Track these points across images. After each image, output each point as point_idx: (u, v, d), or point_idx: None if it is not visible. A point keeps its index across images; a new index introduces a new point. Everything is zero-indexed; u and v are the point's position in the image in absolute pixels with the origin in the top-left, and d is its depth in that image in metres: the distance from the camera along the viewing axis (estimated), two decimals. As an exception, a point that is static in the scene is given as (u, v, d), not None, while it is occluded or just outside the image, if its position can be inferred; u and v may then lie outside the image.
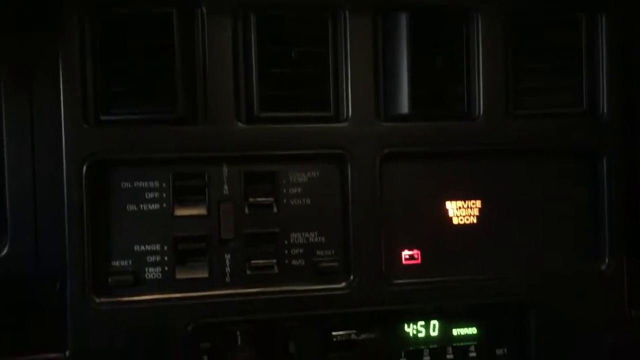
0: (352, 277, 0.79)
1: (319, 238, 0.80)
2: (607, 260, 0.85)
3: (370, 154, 0.79)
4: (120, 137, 0.74)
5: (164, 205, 0.76)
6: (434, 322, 0.85)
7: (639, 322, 0.85)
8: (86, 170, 0.72)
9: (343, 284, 0.79)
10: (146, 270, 0.76)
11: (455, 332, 0.85)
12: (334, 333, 0.81)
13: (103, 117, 0.74)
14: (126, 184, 0.76)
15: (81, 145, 0.73)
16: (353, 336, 0.82)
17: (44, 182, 0.75)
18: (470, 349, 0.85)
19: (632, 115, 0.86)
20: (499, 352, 0.86)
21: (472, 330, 0.86)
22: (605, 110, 0.84)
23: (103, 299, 0.73)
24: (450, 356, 0.85)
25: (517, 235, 0.85)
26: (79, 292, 0.72)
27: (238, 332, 0.78)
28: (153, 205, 0.76)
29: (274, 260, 0.78)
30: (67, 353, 0.72)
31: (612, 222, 0.85)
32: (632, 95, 0.85)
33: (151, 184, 0.76)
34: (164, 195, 0.76)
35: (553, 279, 0.84)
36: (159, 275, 0.76)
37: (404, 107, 0.80)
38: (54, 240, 0.74)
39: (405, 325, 0.84)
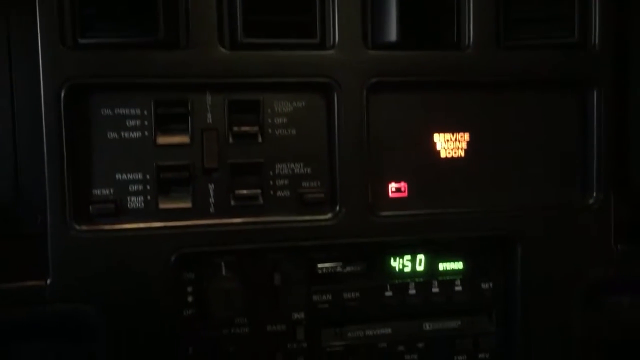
0: (338, 208, 0.78)
1: (305, 169, 0.79)
2: (594, 194, 0.84)
3: (357, 83, 0.77)
4: (99, 60, 0.71)
5: (146, 133, 0.74)
6: (420, 257, 0.85)
7: (625, 257, 0.86)
8: (64, 94, 0.70)
9: (329, 215, 0.79)
10: (128, 199, 0.74)
11: (441, 266, 0.85)
12: (319, 265, 0.81)
13: (81, 41, 0.72)
14: (106, 111, 0.74)
15: (59, 68, 0.70)
16: (338, 268, 0.82)
17: (24, 114, 0.74)
18: (456, 283, 0.85)
19: (623, 48, 0.84)
20: (484, 286, 0.86)
21: (458, 265, 0.86)
22: (596, 42, 0.82)
23: (84, 227, 0.72)
24: (435, 290, 0.85)
25: (504, 169, 0.84)
26: (59, 219, 0.71)
27: (222, 263, 0.77)
28: (134, 133, 0.74)
29: (259, 191, 0.77)
30: (48, 281, 0.71)
31: (600, 156, 0.84)
32: (624, 27, 0.84)
33: (132, 111, 0.74)
34: (146, 123, 0.74)
35: (540, 213, 0.84)
36: (141, 204, 0.75)
37: (392, 34, 0.77)
38: (35, 174, 0.73)
39: (391, 259, 0.84)
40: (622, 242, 0.86)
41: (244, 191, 0.77)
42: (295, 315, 0.81)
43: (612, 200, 0.85)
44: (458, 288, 0.85)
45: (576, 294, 0.85)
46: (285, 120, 0.78)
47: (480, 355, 0.86)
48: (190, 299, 0.77)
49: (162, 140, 0.75)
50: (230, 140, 0.77)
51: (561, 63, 0.82)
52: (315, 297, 0.81)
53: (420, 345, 0.85)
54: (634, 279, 0.87)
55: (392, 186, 0.82)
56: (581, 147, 0.85)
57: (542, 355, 0.85)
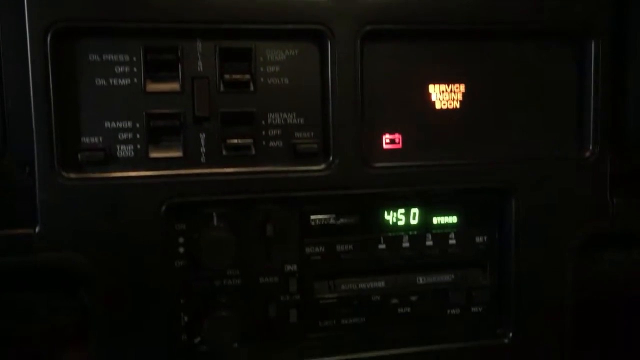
0: (331, 159, 0.77)
1: (298, 119, 0.78)
2: (590, 147, 0.84)
3: (351, 30, 0.75)
4: (87, 3, 0.69)
5: (135, 80, 0.73)
6: (414, 210, 0.84)
7: (620, 210, 0.85)
8: (51, 38, 0.68)
9: (322, 166, 0.77)
10: (117, 147, 0.73)
11: (435, 220, 0.85)
12: (312, 217, 0.80)
13: None
14: (94, 57, 0.72)
15: (45, 11, 0.68)
16: (332, 220, 0.81)
17: (10, 61, 0.72)
18: (450, 236, 0.85)
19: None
20: (478, 239, 0.85)
21: (452, 219, 0.85)
22: (595, -10, 0.81)
23: (72, 175, 0.71)
24: (429, 243, 0.84)
25: (500, 121, 0.83)
26: (47, 166, 0.70)
27: (214, 214, 0.77)
28: (123, 80, 0.73)
29: (251, 141, 0.76)
30: (37, 229, 0.70)
31: (597, 109, 0.83)
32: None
33: (121, 57, 0.72)
34: (135, 69, 0.72)
35: (535, 165, 0.83)
36: (131, 153, 0.73)
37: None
38: (22, 124, 0.71)
39: (385, 213, 0.83)
40: (617, 195, 0.85)
41: (236, 141, 0.76)
42: (288, 267, 0.80)
43: (608, 153, 0.84)
44: (452, 241, 0.85)
45: (570, 248, 0.85)
46: (277, 69, 0.76)
47: (474, 309, 0.86)
48: (181, 250, 0.76)
49: (152, 87, 0.73)
50: (222, 88, 0.75)
51: (559, 12, 0.80)
52: (308, 249, 0.80)
53: (414, 298, 0.84)
54: (628, 232, 0.87)
55: (386, 137, 0.81)
56: (578, 99, 0.84)
57: (535, 308, 0.85)
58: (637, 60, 0.84)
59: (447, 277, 0.86)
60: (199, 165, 0.75)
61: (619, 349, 1.14)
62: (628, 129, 0.84)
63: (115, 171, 0.73)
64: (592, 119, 0.83)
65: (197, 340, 0.77)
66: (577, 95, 0.84)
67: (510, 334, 0.85)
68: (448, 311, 0.86)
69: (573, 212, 0.84)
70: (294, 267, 0.80)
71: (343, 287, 0.83)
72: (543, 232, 0.84)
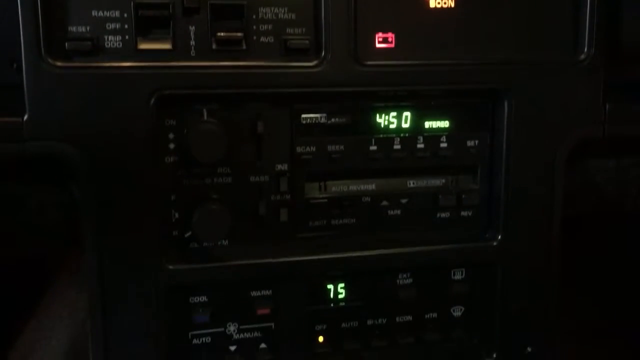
0: (322, 55, 0.76)
1: (289, 15, 0.76)
2: (585, 49, 0.83)
3: None
4: None
5: None
6: (406, 113, 0.83)
7: (613, 116, 0.85)
8: None
9: (314, 62, 0.77)
10: (105, 38, 0.72)
11: (427, 123, 0.84)
12: (303, 115, 0.80)
13: None
14: (80, -58, 0.70)
15: None
16: (323, 120, 0.81)
17: None
18: (442, 139, 0.85)
19: None
20: (469, 143, 0.85)
21: (444, 122, 0.84)
22: None
23: (59, 63, 0.70)
24: (421, 145, 0.84)
25: (495, 21, 0.82)
26: (34, 54, 0.69)
27: (204, 110, 0.76)
28: None
29: (241, 35, 0.74)
30: (25, 117, 0.70)
31: (593, 12, 0.82)
32: None
33: None
34: None
35: (529, 67, 0.82)
36: (119, 44, 0.72)
37: None
38: (9, 18, 0.69)
39: (377, 114, 0.82)
40: (610, 101, 0.85)
41: (226, 34, 0.74)
42: (279, 167, 0.80)
43: (603, 57, 0.83)
44: (443, 145, 0.84)
45: (561, 153, 0.85)
46: None
47: (463, 213, 0.87)
48: (171, 146, 0.76)
49: None
50: None
51: None
52: (299, 149, 0.80)
53: (404, 201, 0.85)
54: (620, 138, 0.87)
55: (379, 36, 0.79)
56: (574, 2, 0.82)
57: (524, 213, 0.86)
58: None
59: (437, 181, 0.86)
60: (188, 58, 0.74)
61: (607, 260, 1.17)
62: (623, 34, 0.83)
63: (103, 62, 0.71)
64: (587, 22, 0.82)
65: (188, 234, 0.78)
66: (573, 1, 0.82)
67: (499, 237, 0.86)
68: (438, 214, 0.86)
69: (566, 116, 0.84)
70: (285, 167, 0.80)
71: (334, 188, 0.83)
72: (535, 136, 0.84)
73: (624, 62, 0.85)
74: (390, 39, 0.80)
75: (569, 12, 0.83)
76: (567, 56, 0.83)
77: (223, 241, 0.80)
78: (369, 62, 0.78)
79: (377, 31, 0.79)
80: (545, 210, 0.86)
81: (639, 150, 0.94)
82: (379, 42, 0.80)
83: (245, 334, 0.84)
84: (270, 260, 0.81)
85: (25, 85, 0.69)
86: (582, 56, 0.83)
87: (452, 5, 0.80)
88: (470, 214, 0.87)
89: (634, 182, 0.96)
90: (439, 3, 0.80)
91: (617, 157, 0.93)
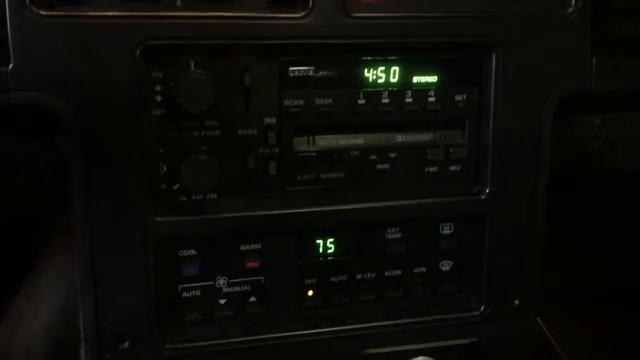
0: (310, 7, 0.76)
1: None
2: (573, 3, 0.83)
3: None
4: None
5: None
6: (394, 68, 0.83)
7: (600, 69, 0.85)
8: None
9: (301, 14, 0.76)
10: None
11: (415, 77, 0.84)
12: (291, 68, 0.79)
13: None
14: None
15: None
16: (311, 72, 0.80)
17: None
18: (430, 94, 0.84)
19: None
20: (458, 97, 0.85)
21: (432, 77, 0.84)
22: None
23: (43, 12, 0.69)
24: (409, 100, 0.84)
25: (484, -26, 0.82)
26: (17, 2, 0.68)
27: (191, 61, 0.76)
28: None
29: None
30: (10, 67, 0.69)
31: None
32: None
33: None
34: None
35: (517, 19, 0.82)
36: None
37: None
38: None
39: (365, 68, 0.82)
40: (598, 54, 0.85)
41: None
42: (267, 120, 0.80)
43: (590, 10, 0.83)
44: (432, 99, 0.84)
45: (549, 106, 0.85)
46: None
47: (452, 167, 0.87)
48: (159, 98, 0.76)
49: None
50: None
51: None
52: (287, 102, 0.80)
53: (392, 155, 0.85)
54: (607, 92, 0.87)
55: (367, -12, 0.79)
56: (563, -46, 0.83)
57: (511, 167, 0.86)
58: None
59: (425, 135, 0.86)
60: (174, 8, 0.73)
61: (593, 223, 1.18)
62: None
63: (87, 11, 0.71)
64: None
65: (176, 187, 0.78)
66: None
67: (487, 191, 0.87)
68: (426, 169, 0.87)
69: (553, 70, 0.84)
70: (273, 120, 0.80)
71: (322, 142, 0.83)
72: (522, 89, 0.84)
73: (612, 16, 0.85)
74: (377, -9, 0.80)
75: (557, -36, 0.83)
76: (555, 9, 0.83)
77: (211, 194, 0.80)
78: (357, 14, 0.78)
79: (365, -17, 0.79)
80: (533, 164, 0.87)
81: (627, 106, 0.94)
82: (367, -6, 0.79)
83: (234, 287, 0.85)
84: (259, 212, 0.82)
85: (9, 35, 0.68)
86: (570, 9, 0.83)
87: (441, -45, 0.80)
88: (458, 168, 0.87)
89: (620, 140, 0.96)
90: (427, -45, 0.80)
91: (604, 113, 0.93)
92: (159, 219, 0.78)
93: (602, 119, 0.93)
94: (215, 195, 0.80)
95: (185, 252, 0.82)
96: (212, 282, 0.84)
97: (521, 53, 0.83)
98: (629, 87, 0.87)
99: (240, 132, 0.80)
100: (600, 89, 0.85)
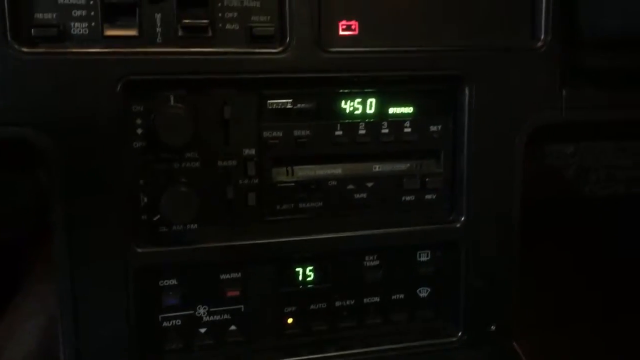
0: (287, 42, 0.78)
1: (255, 3, 0.78)
2: (542, 37, 0.86)
3: None
4: None
5: None
6: (371, 99, 0.86)
7: (570, 101, 0.88)
8: None
9: (279, 49, 0.78)
10: (72, 25, 0.73)
11: (391, 109, 0.86)
12: (269, 101, 0.82)
13: None
14: None
15: None
16: (289, 105, 0.83)
17: None
18: (406, 124, 0.87)
19: None
20: (433, 128, 0.88)
21: (408, 108, 0.87)
22: None
23: (25, 49, 0.71)
24: (385, 130, 0.86)
25: (456, 9, 0.84)
26: (0, 40, 0.70)
27: (171, 95, 0.77)
28: None
29: (207, 22, 0.76)
30: None
31: (549, 1, 0.85)
32: None
33: None
34: None
35: (489, 54, 0.85)
36: (85, 30, 0.73)
37: None
38: None
39: (342, 100, 0.84)
40: (567, 86, 0.88)
41: (192, 21, 0.76)
42: (246, 151, 0.82)
43: (560, 44, 0.86)
44: (407, 129, 0.87)
45: (520, 137, 0.88)
46: None
47: (428, 196, 0.89)
48: (139, 131, 0.77)
49: None
50: None
51: None
52: (266, 134, 0.82)
53: (370, 184, 0.87)
54: (577, 123, 0.90)
55: (343, 24, 0.81)
56: (532, -9, 0.86)
57: (486, 195, 0.89)
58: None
59: (402, 165, 0.88)
60: (154, 44, 0.75)
61: (570, 246, 1.20)
62: (579, 22, 0.86)
63: (69, 47, 0.73)
64: (544, 9, 0.85)
65: (157, 218, 0.79)
66: None
67: (462, 219, 0.89)
68: (403, 197, 0.89)
69: (524, 102, 0.87)
70: (252, 151, 0.82)
71: (301, 172, 0.85)
72: (495, 120, 0.87)
73: (581, 49, 0.88)
74: (353, 27, 0.82)
75: (527, 1, 0.86)
76: (525, 43, 0.86)
77: (192, 224, 0.81)
78: (333, 49, 0.80)
79: (341, 19, 0.81)
80: (506, 192, 0.89)
81: (597, 136, 0.97)
82: (343, 30, 0.82)
83: (215, 316, 0.86)
84: (239, 242, 0.83)
85: None
86: (540, 43, 0.86)
87: (415, -7, 0.83)
88: (434, 196, 0.89)
89: (592, 169, 0.99)
90: (401, -10, 0.83)
91: (576, 142, 0.96)
92: (139, 249, 0.79)
93: (574, 148, 0.96)
94: (196, 225, 0.82)
95: (166, 282, 0.83)
96: (192, 312, 0.85)
97: (492, 85, 0.86)
98: (599, 119, 0.90)
99: (220, 163, 0.81)
100: (570, 120, 0.88)
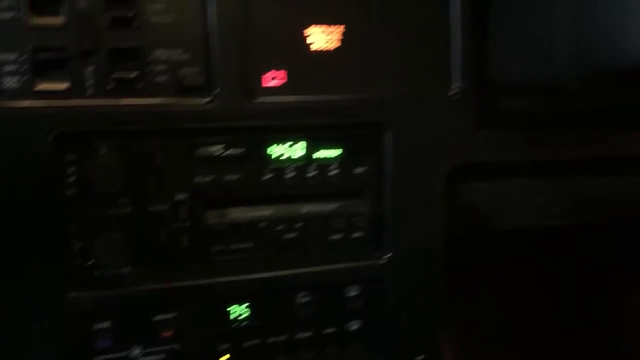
0: (216, 93, 0.82)
1: (184, 55, 0.82)
2: (456, 84, 0.93)
3: None
4: None
5: (20, 13, 0.75)
6: (298, 144, 0.90)
7: (483, 143, 0.95)
8: None
9: (207, 99, 0.83)
10: (3, 80, 0.75)
11: (318, 153, 0.91)
12: (200, 148, 0.85)
13: None
14: (-24, -10, 0.74)
15: None
16: (219, 151, 0.86)
17: None
18: (332, 167, 0.92)
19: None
20: (358, 170, 0.93)
21: (334, 152, 0.92)
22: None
23: (-45, 104, 0.73)
24: (313, 173, 0.91)
25: (376, 60, 0.90)
26: None
27: (103, 144, 0.80)
28: (7, 14, 0.75)
29: (137, 74, 0.80)
30: None
31: (462, 49, 0.92)
32: None
33: None
34: (18, 2, 0.75)
35: (407, 101, 0.91)
36: (16, 84, 0.76)
37: None
38: None
39: (271, 145, 0.89)
40: (481, 129, 0.95)
41: (122, 75, 0.79)
42: (178, 196, 0.85)
43: (472, 90, 0.93)
44: (334, 172, 0.92)
45: (439, 178, 0.94)
46: (162, 6, 0.80)
47: (355, 234, 0.94)
48: (71, 179, 0.80)
49: (37, 21, 0.76)
50: (107, 23, 0.78)
51: None
52: (197, 179, 0.86)
53: (299, 225, 0.91)
54: (491, 164, 0.97)
55: (270, 75, 0.86)
56: (446, 42, 0.92)
57: (409, 232, 0.94)
58: (499, 11, 0.92)
59: (329, 205, 0.93)
60: (85, 97, 0.78)
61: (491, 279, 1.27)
62: (490, 69, 0.93)
63: (1, 102, 0.75)
64: (456, 59, 0.92)
65: (90, 263, 0.81)
66: (444, 38, 0.92)
67: (388, 255, 0.94)
68: (331, 236, 0.93)
69: (440, 145, 0.93)
70: (184, 196, 0.85)
71: (232, 215, 0.89)
72: (415, 163, 0.93)
73: (493, 94, 0.96)
74: (280, 77, 0.87)
75: (440, 50, 0.93)
76: (439, 90, 0.93)
77: (125, 268, 0.84)
78: (260, 99, 0.85)
79: (268, 69, 0.86)
80: (428, 229, 0.95)
81: (512, 174, 1.04)
82: (270, 80, 0.86)
83: (150, 356, 0.88)
84: (173, 284, 0.86)
85: None
86: (453, 90, 0.93)
87: (339, 44, 0.88)
88: (360, 234, 0.94)
89: (510, 204, 1.06)
90: (325, 43, 0.88)
91: (493, 180, 1.03)
92: (72, 295, 0.81)
93: (492, 186, 1.02)
94: (129, 269, 0.84)
95: (100, 325, 0.84)
96: (126, 353, 0.87)
97: (411, 130, 0.92)
98: (511, 159, 0.97)
99: (152, 208, 0.84)
100: (484, 161, 0.95)
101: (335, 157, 0.92)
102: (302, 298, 0.94)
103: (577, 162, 1.03)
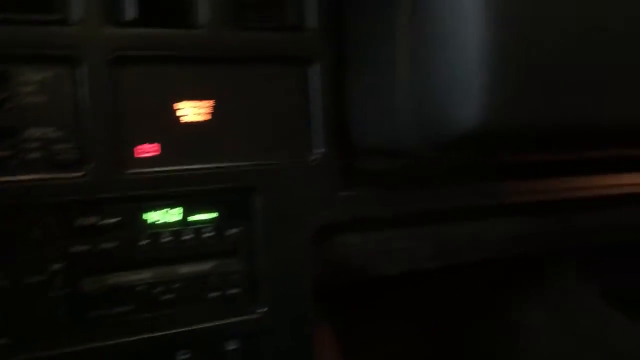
0: (89, 167, 0.88)
1: (56, 133, 0.87)
2: (318, 149, 1.03)
3: (99, 56, 0.87)
4: None
5: None
6: (173, 210, 0.97)
7: (346, 202, 1.05)
8: None
9: (81, 173, 0.88)
10: None
11: (193, 217, 0.98)
12: (76, 219, 0.90)
13: None
14: None
15: None
16: (95, 221, 0.91)
17: None
18: (207, 230, 0.99)
19: (339, 26, 1.02)
20: (232, 231, 1.00)
21: (208, 215, 0.99)
22: (313, 23, 0.99)
23: None
24: (188, 236, 0.97)
25: (244, 131, 0.99)
26: None
27: (-21, 221, 0.84)
28: None
29: (10, 153, 0.84)
30: None
31: (322, 118, 1.02)
32: (339, 8, 1.02)
33: None
34: None
35: (273, 167, 1.00)
36: None
37: (132, 12, 0.88)
38: None
39: (146, 213, 0.95)
40: (343, 190, 1.05)
41: None
42: (55, 266, 0.89)
43: (334, 156, 1.03)
44: (208, 234, 0.99)
45: (307, 235, 1.03)
46: (34, 88, 0.86)
47: (231, 291, 1.01)
48: None
49: None
50: None
51: (284, 42, 0.98)
52: (73, 249, 0.90)
53: (176, 285, 0.97)
54: (355, 221, 1.07)
55: (142, 147, 0.93)
56: (307, 112, 1.03)
57: (282, 288, 1.02)
58: (354, 83, 1.03)
59: (205, 266, 0.99)
60: None
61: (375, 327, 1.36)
62: (349, 135, 1.04)
63: None
64: (318, 127, 1.02)
65: (-37, 337, 0.84)
66: (306, 108, 1.02)
67: (262, 310, 1.01)
68: (209, 294, 0.99)
69: (305, 206, 1.02)
70: (60, 266, 0.89)
71: (110, 281, 0.93)
72: (283, 223, 1.01)
73: (354, 156, 1.06)
74: (153, 149, 0.94)
75: (304, 120, 1.03)
76: (302, 156, 1.02)
77: (2, 340, 0.86)
78: (132, 170, 0.91)
79: (140, 143, 0.93)
80: (300, 284, 1.03)
81: (379, 225, 1.14)
82: (142, 152, 0.93)
83: None
84: (53, 352, 0.89)
85: None
86: (315, 155, 1.03)
87: (210, 117, 0.96)
88: (236, 291, 1.01)
89: (382, 251, 1.16)
90: (196, 116, 0.96)
91: (364, 231, 1.13)
92: (-56, 371, 0.82)
93: (363, 236, 1.12)
94: (7, 340, 0.86)
95: None
96: None
97: (277, 194, 1.00)
98: (373, 215, 1.08)
99: (27, 279, 0.87)
100: (347, 218, 1.05)
101: (211, 220, 0.99)
102: (183, 355, 0.99)
103: (435, 211, 1.16)
